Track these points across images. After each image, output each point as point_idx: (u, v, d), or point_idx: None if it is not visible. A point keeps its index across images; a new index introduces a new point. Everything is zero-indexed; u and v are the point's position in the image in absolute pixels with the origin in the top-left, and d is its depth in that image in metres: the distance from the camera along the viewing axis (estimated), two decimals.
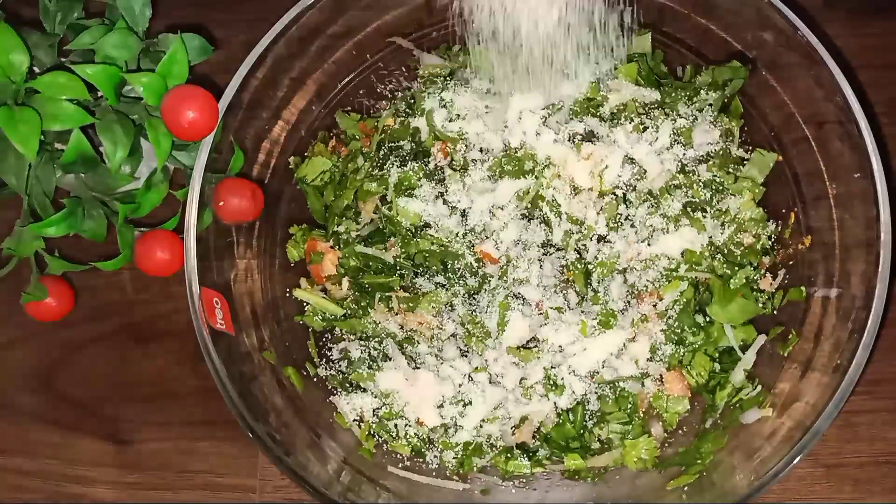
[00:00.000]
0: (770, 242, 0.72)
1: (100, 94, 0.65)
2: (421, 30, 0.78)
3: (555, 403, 0.69)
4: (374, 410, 0.70)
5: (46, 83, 0.63)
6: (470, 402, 0.69)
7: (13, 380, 0.79)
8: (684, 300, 0.70)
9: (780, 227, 0.72)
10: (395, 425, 0.70)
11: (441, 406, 0.69)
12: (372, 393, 0.70)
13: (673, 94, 0.74)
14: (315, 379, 0.72)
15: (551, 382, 0.68)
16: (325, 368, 0.73)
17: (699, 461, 0.66)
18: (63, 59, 0.70)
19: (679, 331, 0.70)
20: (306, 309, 0.74)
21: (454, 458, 0.69)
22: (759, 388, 0.68)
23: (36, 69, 0.67)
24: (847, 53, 0.82)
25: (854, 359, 0.60)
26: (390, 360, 0.70)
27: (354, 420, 0.71)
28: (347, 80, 0.77)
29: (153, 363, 0.79)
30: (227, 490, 0.75)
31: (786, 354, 0.67)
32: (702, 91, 0.74)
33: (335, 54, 0.75)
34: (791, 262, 0.71)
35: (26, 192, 0.66)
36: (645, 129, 0.72)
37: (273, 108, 0.72)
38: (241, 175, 0.70)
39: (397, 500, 0.66)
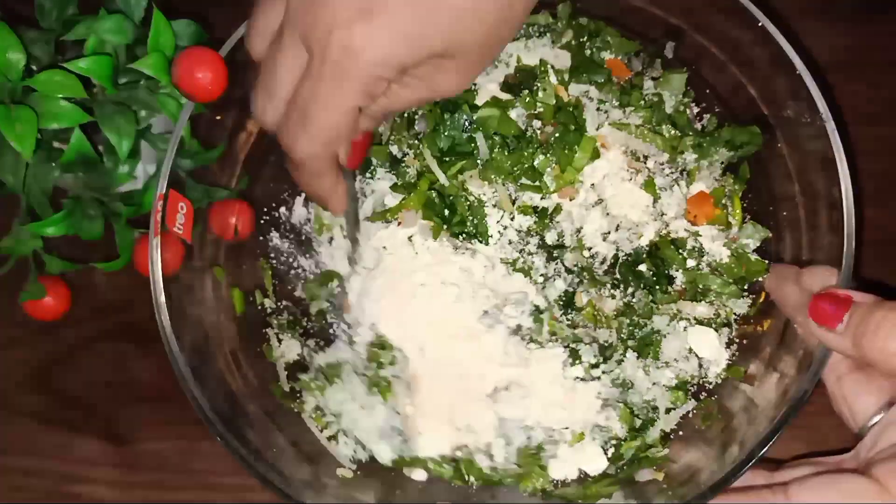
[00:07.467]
0: (735, 316, 0.68)
1: (96, 87, 0.64)
2: None
3: None
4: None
5: (43, 81, 0.63)
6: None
7: (12, 379, 0.79)
8: None
9: (751, 305, 0.68)
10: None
11: None
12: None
13: (682, 145, 0.70)
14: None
15: None
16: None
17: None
18: (60, 57, 0.69)
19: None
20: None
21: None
22: (667, 451, 0.65)
23: (33, 67, 0.67)
24: (847, 53, 0.83)
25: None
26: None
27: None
28: None
29: (153, 362, 0.79)
30: (226, 490, 0.75)
31: (703, 428, 0.65)
32: (712, 148, 0.70)
33: None
34: (745, 341, 0.68)
35: (23, 190, 0.66)
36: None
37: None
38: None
39: (395, 499, 0.66)
